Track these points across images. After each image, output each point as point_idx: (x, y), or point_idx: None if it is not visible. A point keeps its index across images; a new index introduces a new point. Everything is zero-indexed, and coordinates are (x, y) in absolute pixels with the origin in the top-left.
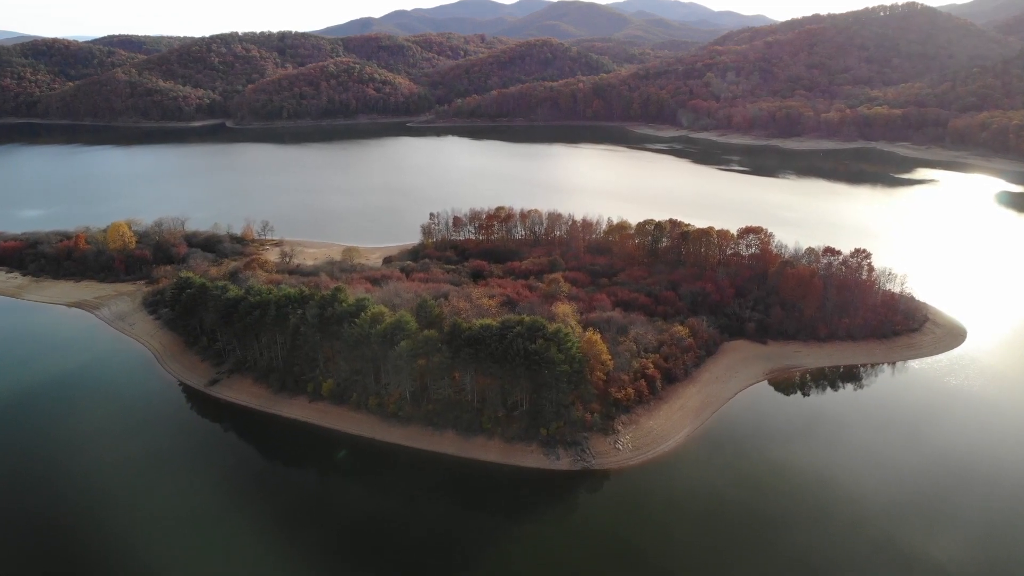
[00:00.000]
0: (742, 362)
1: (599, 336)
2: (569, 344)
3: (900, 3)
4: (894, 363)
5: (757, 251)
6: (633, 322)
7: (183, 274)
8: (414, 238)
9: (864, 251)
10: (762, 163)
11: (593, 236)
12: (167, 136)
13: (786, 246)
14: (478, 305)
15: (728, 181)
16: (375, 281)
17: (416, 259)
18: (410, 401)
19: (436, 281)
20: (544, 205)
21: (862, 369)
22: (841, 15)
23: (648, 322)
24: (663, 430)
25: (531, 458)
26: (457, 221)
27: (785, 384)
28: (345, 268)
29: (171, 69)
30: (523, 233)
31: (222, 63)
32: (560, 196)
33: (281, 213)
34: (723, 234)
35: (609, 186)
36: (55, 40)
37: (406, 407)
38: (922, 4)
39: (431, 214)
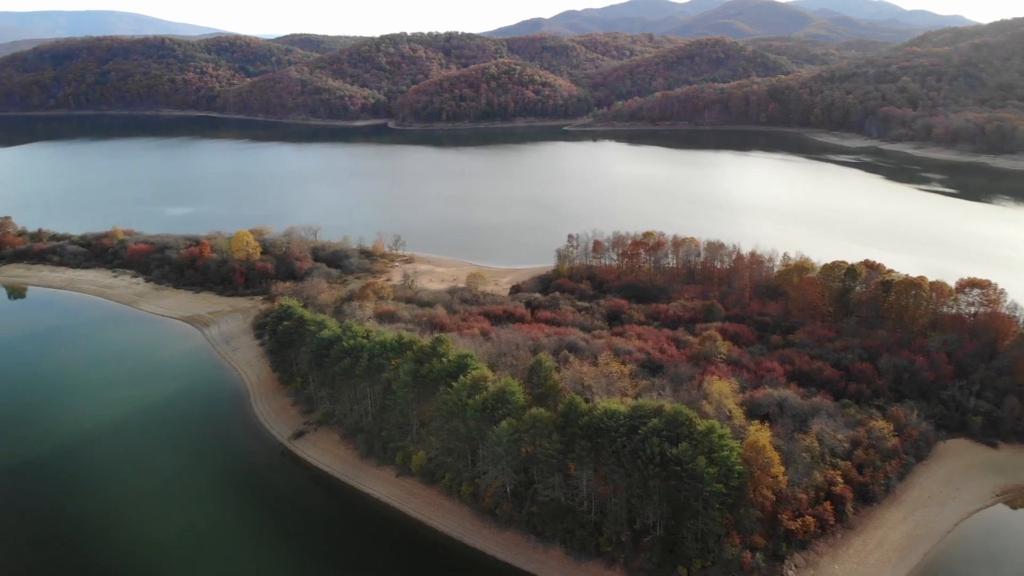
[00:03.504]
0: (965, 473)
1: (768, 435)
2: (725, 452)
3: None
4: None
5: (983, 311)
6: (816, 409)
7: (284, 301)
8: (550, 260)
9: None
10: (969, 183)
11: (763, 275)
12: (332, 135)
13: (1020, 307)
14: (607, 374)
15: (929, 205)
16: (495, 319)
17: (546, 290)
18: (511, 498)
19: (564, 324)
20: (703, 225)
21: None
22: None
23: (836, 408)
24: None
25: None
26: (597, 246)
27: None
28: (466, 299)
29: (341, 68)
30: (674, 263)
31: (389, 63)
32: (723, 216)
33: (418, 225)
34: (937, 287)
35: (784, 205)
36: (237, 37)
37: (505, 505)
38: None
39: (569, 236)
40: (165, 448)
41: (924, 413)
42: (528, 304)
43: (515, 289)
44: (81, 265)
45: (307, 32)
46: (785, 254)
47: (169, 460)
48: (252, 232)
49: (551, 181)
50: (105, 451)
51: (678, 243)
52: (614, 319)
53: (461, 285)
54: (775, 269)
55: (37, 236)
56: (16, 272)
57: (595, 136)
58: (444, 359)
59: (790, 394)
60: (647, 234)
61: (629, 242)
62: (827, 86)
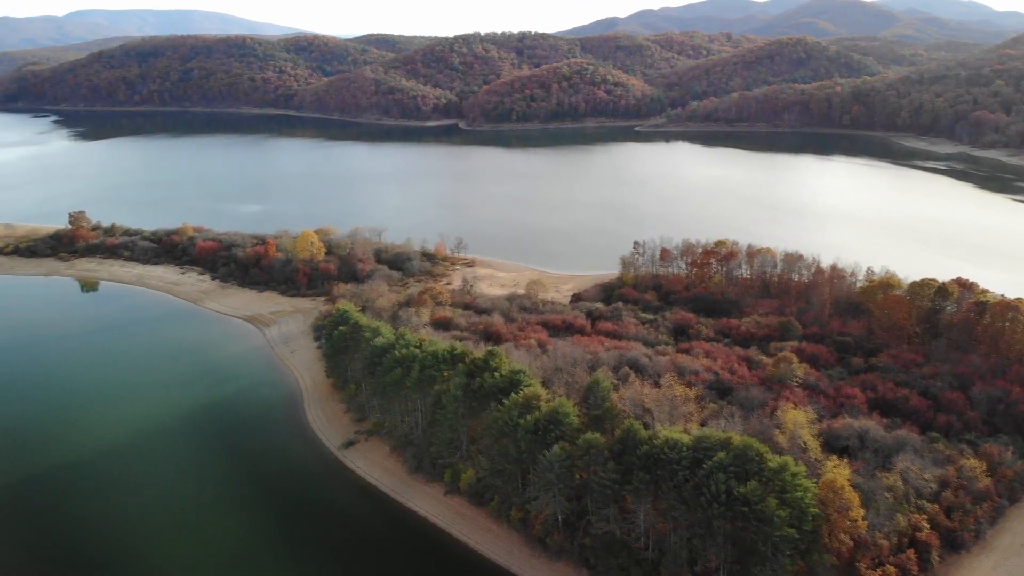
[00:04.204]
0: None
1: (847, 473)
2: (799, 493)
3: None
4: None
5: None
6: (901, 443)
7: (342, 305)
8: (614, 267)
9: None
10: None
11: (844, 290)
12: (404, 135)
13: None
14: (671, 397)
15: None
16: (553, 330)
17: (609, 299)
18: (562, 528)
19: (626, 338)
20: (779, 233)
21: None
22: None
23: (923, 443)
24: None
25: None
26: (665, 254)
27: None
28: (524, 307)
29: (415, 68)
30: (748, 275)
31: (462, 63)
32: (802, 224)
33: (482, 227)
34: None
35: (867, 214)
36: (316, 36)
37: (556, 535)
38: None
39: (635, 242)
40: (214, 452)
41: (1020, 450)
42: (589, 315)
43: (576, 297)
44: (151, 261)
45: (384, 32)
46: (869, 268)
47: (217, 465)
48: (317, 232)
49: (619, 183)
50: (156, 452)
51: (752, 253)
52: (680, 334)
53: (521, 292)
54: (858, 285)
55: (110, 231)
56: (88, 266)
57: (668, 137)
58: (496, 374)
59: (872, 425)
60: (719, 243)
61: (699, 251)
62: (915, 88)
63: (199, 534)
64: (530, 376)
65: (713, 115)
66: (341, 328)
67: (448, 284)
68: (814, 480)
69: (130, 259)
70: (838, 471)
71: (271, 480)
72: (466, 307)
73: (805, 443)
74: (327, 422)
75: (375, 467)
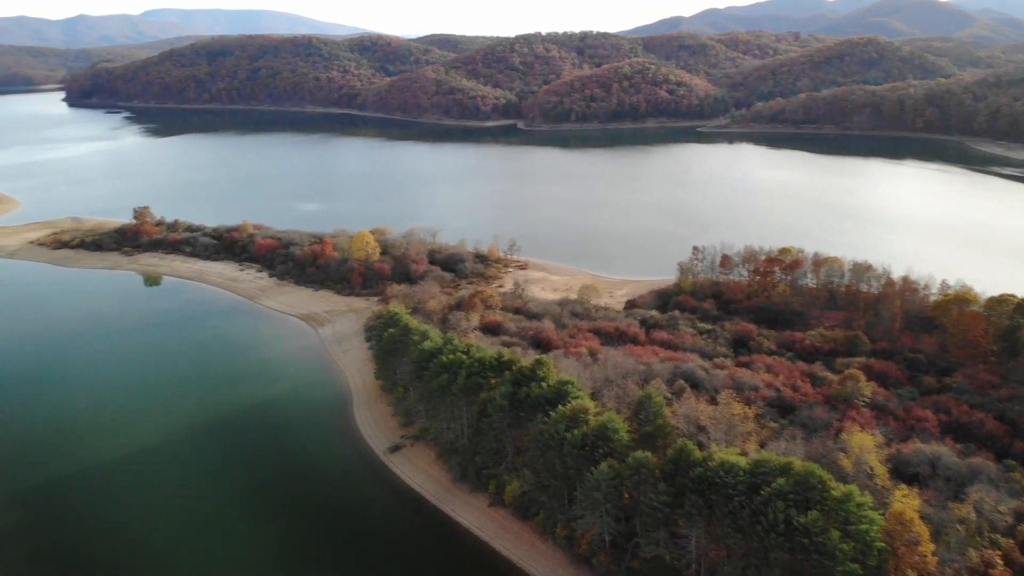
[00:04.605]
0: None
1: (917, 503)
2: (864, 525)
3: None
4: None
5: None
6: (976, 471)
7: (392, 307)
8: (671, 272)
9: None
10: None
11: (916, 304)
12: (463, 135)
13: None
14: (727, 417)
15: None
16: (605, 338)
17: (665, 307)
18: (609, 549)
19: (682, 348)
20: (848, 241)
21: None
22: None
23: (999, 472)
24: None
25: None
26: (726, 260)
27: None
28: (576, 312)
29: (475, 68)
30: (814, 284)
31: (522, 63)
32: (872, 232)
33: (536, 228)
34: None
35: (942, 223)
36: (380, 36)
37: (602, 556)
38: None
39: (694, 247)
40: (261, 452)
41: None
42: (643, 322)
43: (630, 304)
44: (211, 257)
45: (446, 32)
46: (943, 281)
47: (263, 465)
48: (373, 232)
49: (680, 185)
50: (205, 448)
51: (819, 262)
52: (740, 346)
53: (573, 296)
54: (931, 298)
55: (173, 227)
56: (151, 261)
57: (731, 138)
58: (543, 384)
59: (945, 451)
60: (783, 250)
61: (762, 258)
62: (992, 91)
63: (240, 533)
64: (578, 387)
65: (779, 116)
66: (391, 330)
67: (500, 286)
68: (881, 511)
69: (191, 255)
70: (907, 501)
71: (316, 481)
72: (516, 311)
73: (871, 469)
74: (374, 424)
75: (420, 473)
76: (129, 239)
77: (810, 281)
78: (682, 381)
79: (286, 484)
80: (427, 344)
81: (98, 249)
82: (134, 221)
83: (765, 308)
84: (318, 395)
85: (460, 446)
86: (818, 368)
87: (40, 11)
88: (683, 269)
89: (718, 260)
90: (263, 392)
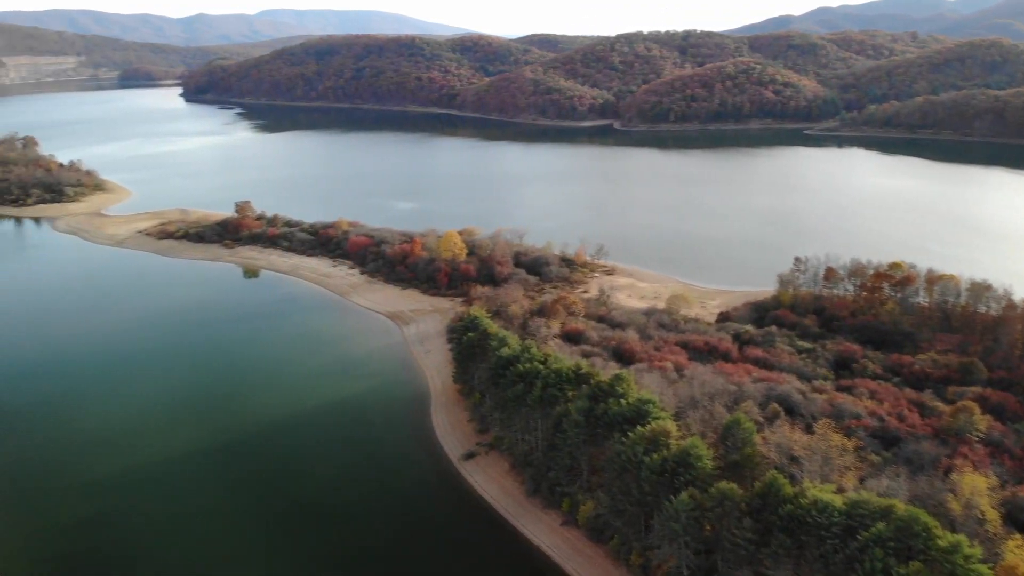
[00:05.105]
0: None
1: None
2: None
3: None
4: None
5: None
6: None
7: (473, 310)
8: (769, 284)
9: None
10: None
11: None
12: (558, 135)
13: None
14: (824, 448)
15: None
16: (694, 352)
17: (761, 321)
18: None
19: (777, 368)
20: (965, 256)
21: None
22: None
23: None
24: None
25: None
26: (830, 273)
27: None
28: (663, 323)
29: (574, 68)
30: (926, 302)
31: (622, 63)
32: (992, 248)
33: (626, 232)
34: None
35: None
36: (481, 36)
37: None
38: None
39: (796, 258)
40: (334, 452)
41: None
42: (736, 337)
43: (723, 316)
44: (306, 252)
45: (546, 32)
46: None
47: (335, 465)
48: (461, 233)
49: (783, 191)
50: (280, 447)
51: (933, 279)
52: (842, 368)
53: (661, 305)
54: None
55: (272, 221)
56: (249, 254)
57: (841, 142)
58: (622, 400)
59: None
60: (894, 264)
61: (870, 272)
62: None
63: (309, 530)
64: (660, 407)
65: (893, 120)
66: (470, 334)
67: (584, 292)
68: (990, 564)
69: (288, 249)
70: (1021, 553)
71: (387, 484)
72: (600, 319)
73: (983, 513)
74: (450, 429)
75: (492, 484)
76: (230, 232)
77: (922, 299)
78: (776, 405)
79: (359, 484)
80: (504, 351)
81: (200, 241)
82: (236, 215)
83: (871, 327)
84: (398, 394)
85: (534, 459)
86: (928, 397)
87: (163, 10)
88: (783, 281)
89: (822, 273)
90: (346, 388)
